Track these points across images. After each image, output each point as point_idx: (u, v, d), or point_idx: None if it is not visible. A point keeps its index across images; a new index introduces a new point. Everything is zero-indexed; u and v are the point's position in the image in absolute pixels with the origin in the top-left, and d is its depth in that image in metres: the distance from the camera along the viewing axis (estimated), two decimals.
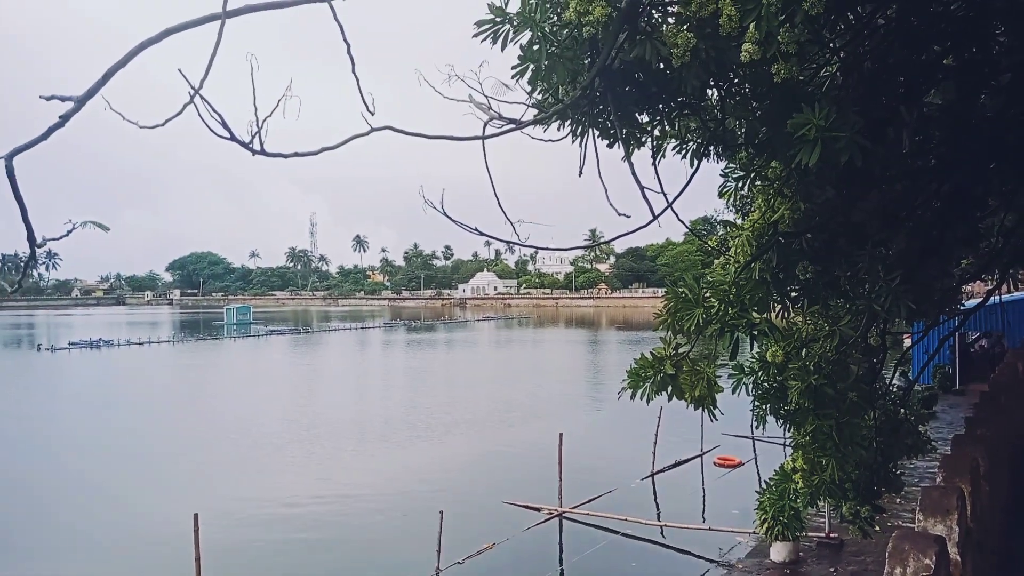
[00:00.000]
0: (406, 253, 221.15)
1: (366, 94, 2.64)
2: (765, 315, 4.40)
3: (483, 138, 3.26)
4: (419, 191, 3.61)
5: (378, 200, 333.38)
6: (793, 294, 4.99)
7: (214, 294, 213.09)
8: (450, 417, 28.10)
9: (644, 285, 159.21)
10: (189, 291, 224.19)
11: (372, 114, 2.70)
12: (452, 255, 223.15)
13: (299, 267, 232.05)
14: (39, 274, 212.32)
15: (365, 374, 46.99)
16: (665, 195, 3.99)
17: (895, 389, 6.19)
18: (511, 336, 77.64)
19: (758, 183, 4.89)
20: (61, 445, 24.91)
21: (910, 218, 5.58)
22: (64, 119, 2.23)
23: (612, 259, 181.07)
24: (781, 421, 4.97)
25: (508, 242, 3.95)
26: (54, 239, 2.73)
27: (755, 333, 4.17)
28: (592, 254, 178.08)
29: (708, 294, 4.11)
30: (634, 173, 3.43)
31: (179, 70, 2.21)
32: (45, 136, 2.26)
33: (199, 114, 2.24)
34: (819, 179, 4.38)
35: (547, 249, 4.15)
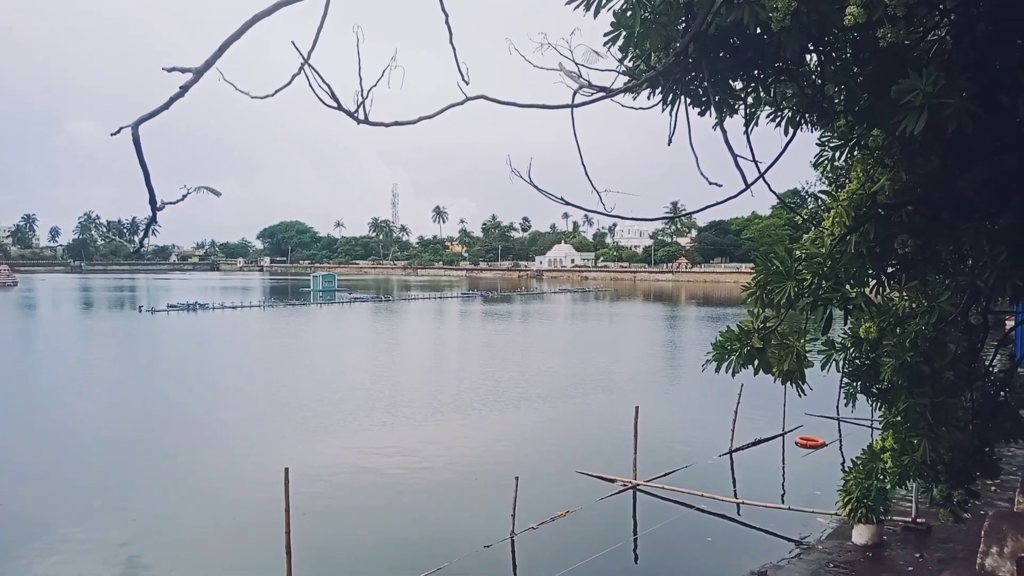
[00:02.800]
0: (484, 224, 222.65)
1: (461, 64, 2.70)
2: (861, 289, 4.26)
3: (572, 106, 3.27)
4: (506, 160, 3.66)
5: (458, 172, 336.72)
6: (890, 269, 4.81)
7: (301, 262, 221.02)
8: (525, 388, 28.41)
9: (727, 260, 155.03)
10: (278, 258, 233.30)
11: (467, 83, 2.76)
12: (530, 227, 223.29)
13: (381, 237, 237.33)
14: (137, 241, 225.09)
15: (443, 343, 47.94)
16: (757, 164, 3.90)
17: (996, 371, 5.89)
18: (587, 309, 77.42)
19: (856, 153, 4.71)
20: (162, 402, 26.61)
21: (1021, 191, 5.26)
22: (184, 89, 2.38)
23: (694, 232, 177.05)
24: (872, 399, 4.83)
25: (593, 211, 3.97)
26: (171, 203, 2.93)
27: (849, 308, 4.05)
28: (673, 227, 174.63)
29: (801, 267, 4.01)
30: (727, 141, 3.36)
31: (292, 42, 2.32)
32: (167, 105, 2.42)
33: (309, 84, 2.35)
34: (924, 148, 4.18)
35: (632, 219, 4.13)
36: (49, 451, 19.48)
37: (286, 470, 10.41)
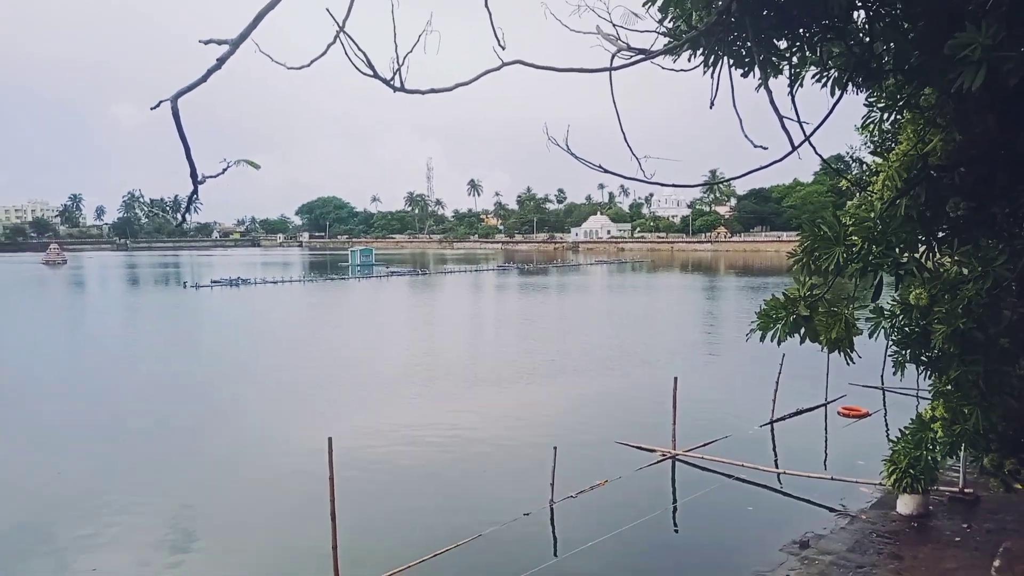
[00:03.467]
0: (519, 197, 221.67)
1: (497, 29, 2.64)
2: (912, 254, 4.12)
3: (611, 69, 3.18)
4: (543, 129, 3.60)
5: (492, 145, 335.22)
6: (941, 233, 4.65)
7: (339, 237, 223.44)
8: (562, 359, 28.44)
9: (767, 228, 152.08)
10: (317, 234, 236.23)
11: (503, 48, 2.70)
12: (565, 198, 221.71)
13: (416, 211, 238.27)
14: (179, 217, 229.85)
15: (479, 315, 48.17)
16: (803, 126, 3.78)
17: None
18: (624, 281, 76.92)
19: (906, 113, 4.53)
20: (207, 374, 27.32)
21: None
22: (221, 61, 2.37)
23: (733, 201, 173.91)
24: (921, 368, 4.70)
25: (632, 179, 3.89)
26: (212, 176, 2.95)
27: (900, 273, 3.92)
28: (712, 196, 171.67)
29: (850, 232, 3.88)
30: (773, 102, 3.24)
31: (327, 9, 2.29)
32: (204, 78, 2.42)
33: (345, 53, 2.33)
34: (979, 106, 4.00)
35: (672, 186, 4.05)
36: (101, 422, 20.18)
37: (329, 439, 10.62)
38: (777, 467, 15.32)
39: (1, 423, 20.25)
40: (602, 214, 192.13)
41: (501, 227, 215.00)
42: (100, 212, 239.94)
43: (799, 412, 19.62)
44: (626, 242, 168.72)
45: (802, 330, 3.85)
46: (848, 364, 4.01)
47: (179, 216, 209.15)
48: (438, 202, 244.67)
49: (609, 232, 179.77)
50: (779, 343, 3.99)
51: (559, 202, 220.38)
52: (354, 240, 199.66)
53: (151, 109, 2.47)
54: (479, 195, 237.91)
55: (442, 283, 73.46)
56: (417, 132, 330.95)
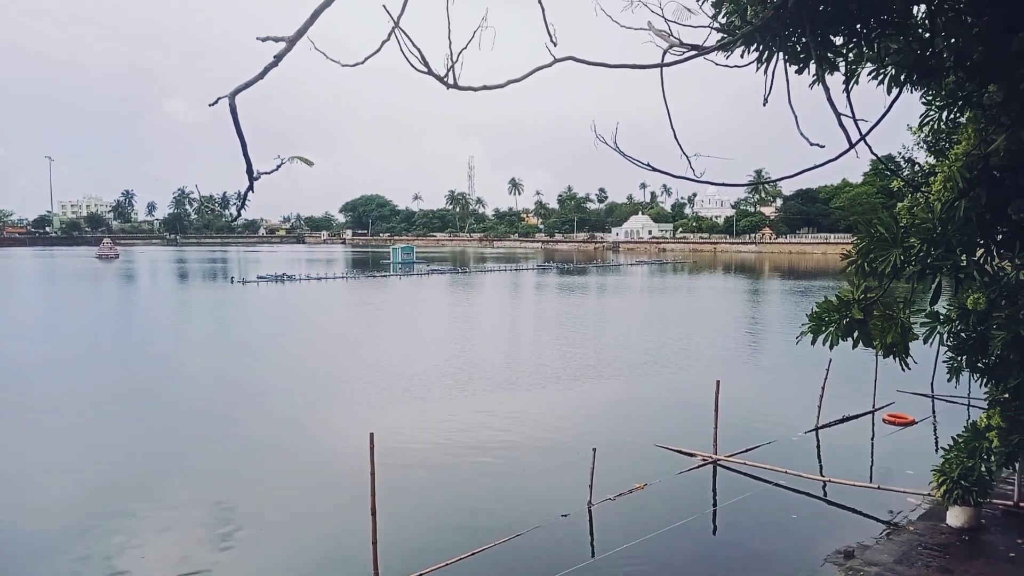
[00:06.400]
0: (560, 196, 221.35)
1: (549, 25, 2.62)
2: (973, 257, 3.98)
3: (662, 65, 3.14)
4: (591, 127, 3.58)
5: (533, 144, 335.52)
6: (1001, 236, 4.48)
7: (381, 234, 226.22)
8: (601, 360, 28.29)
9: (814, 230, 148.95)
10: (359, 231, 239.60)
11: (555, 44, 2.68)
12: (606, 198, 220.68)
13: (457, 209, 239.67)
14: (231, 213, 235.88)
15: (518, 315, 48.20)
16: (858, 124, 3.68)
17: None
18: (665, 282, 76.16)
19: (968, 112, 4.38)
20: (252, 368, 27.88)
21: None
22: (278, 58, 2.41)
23: (778, 202, 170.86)
24: (977, 375, 4.54)
25: (681, 177, 3.83)
26: (267, 172, 3.00)
27: (961, 276, 3.78)
28: (756, 196, 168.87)
29: (908, 233, 3.76)
30: (830, 99, 3.16)
31: (383, 5, 2.30)
32: (262, 75, 2.46)
33: (401, 50, 2.34)
34: None
35: (721, 185, 3.98)
36: (149, 413, 20.75)
37: (371, 435, 10.73)
38: (822, 475, 14.98)
39: (54, 408, 20.96)
40: (644, 214, 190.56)
41: (541, 226, 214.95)
42: (151, 208, 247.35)
43: (845, 419, 19.16)
44: (668, 242, 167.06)
45: (855, 334, 3.75)
46: (903, 370, 3.89)
47: (234, 211, 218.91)
48: (479, 200, 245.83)
49: (650, 232, 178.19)
50: (831, 347, 3.89)
51: (600, 201, 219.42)
52: (396, 238, 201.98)
53: (209, 105, 2.52)
54: (520, 194, 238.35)
55: (482, 281, 73.70)
56: (459, 130, 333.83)
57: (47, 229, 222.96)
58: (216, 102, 2.50)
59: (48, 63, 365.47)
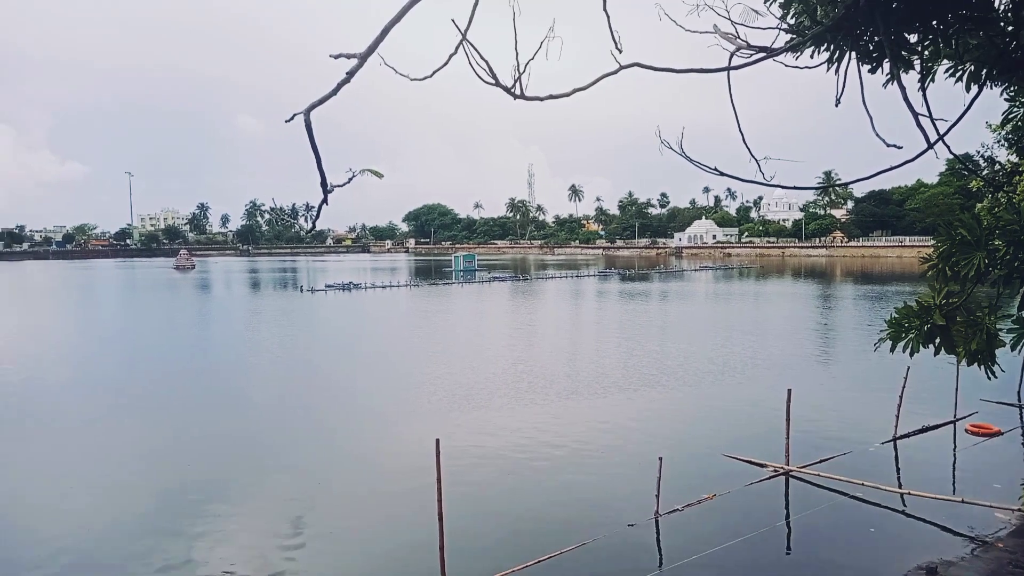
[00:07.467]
0: (620, 201, 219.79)
1: (614, 32, 2.62)
2: None
3: (729, 69, 3.09)
4: (656, 132, 3.55)
5: (593, 150, 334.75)
6: None
7: (443, 243, 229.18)
8: (666, 368, 27.87)
9: (888, 232, 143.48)
10: (422, 240, 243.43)
11: (620, 51, 2.68)
12: (668, 203, 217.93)
13: (518, 217, 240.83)
14: (299, 224, 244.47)
15: (580, 322, 47.97)
16: (935, 123, 3.54)
17: None
18: (731, 288, 74.56)
19: None
20: (320, 374, 28.60)
21: None
22: (350, 75, 2.49)
23: (849, 204, 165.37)
24: None
25: (751, 181, 3.77)
26: (339, 185, 3.09)
27: None
28: (826, 198, 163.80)
29: (993, 235, 3.59)
30: (906, 98, 3.05)
31: (452, 20, 2.35)
32: (335, 91, 2.54)
33: (469, 62, 2.38)
34: None
35: (793, 188, 3.89)
36: (224, 416, 21.51)
37: (437, 440, 10.86)
38: (900, 487, 14.36)
39: (140, 411, 21.96)
40: (707, 218, 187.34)
41: (602, 232, 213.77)
42: (225, 220, 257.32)
43: (925, 429, 18.33)
44: (733, 247, 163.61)
45: (936, 340, 3.59)
46: (989, 379, 3.71)
47: (302, 222, 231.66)
48: (539, 208, 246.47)
49: (715, 237, 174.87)
50: (911, 354, 3.73)
51: (662, 206, 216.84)
52: (457, 246, 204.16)
53: (285, 122, 2.62)
54: (580, 200, 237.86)
55: (543, 288, 73.69)
56: (520, 139, 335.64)
57: (127, 241, 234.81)
58: (292, 118, 2.59)
59: (125, 82, 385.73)
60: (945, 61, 4.22)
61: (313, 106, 2.54)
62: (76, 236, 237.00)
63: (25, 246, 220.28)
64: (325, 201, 2.86)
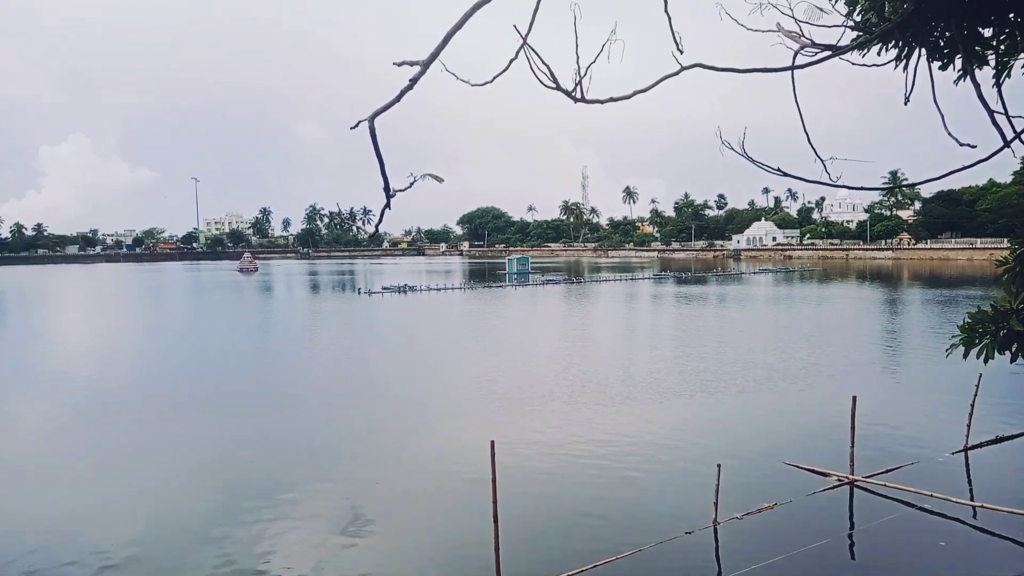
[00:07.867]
0: (676, 203, 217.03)
1: (676, 33, 2.60)
2: None
3: (793, 68, 3.03)
4: (716, 133, 3.51)
5: (647, 152, 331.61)
6: None
7: (497, 245, 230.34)
8: (725, 373, 27.37)
9: (958, 234, 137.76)
10: (476, 243, 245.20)
11: (681, 52, 2.66)
12: (726, 204, 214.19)
13: (571, 219, 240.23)
14: (357, 228, 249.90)
15: (634, 326, 47.52)
16: (1011, 121, 3.41)
17: None
18: (792, 291, 72.73)
19: None
20: (376, 375, 29.08)
21: None
22: (413, 82, 2.54)
23: (917, 204, 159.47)
24: None
25: (816, 182, 3.69)
26: (401, 190, 3.16)
27: None
28: (892, 199, 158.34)
29: None
30: (980, 95, 2.94)
31: (514, 25, 2.38)
32: (398, 98, 2.61)
33: (530, 66, 2.41)
34: None
35: (860, 189, 3.79)
36: (284, 415, 22.07)
37: (492, 443, 10.92)
38: (972, 499, 13.77)
39: (202, 410, 22.74)
40: (767, 220, 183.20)
41: (657, 235, 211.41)
42: (286, 224, 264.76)
43: (999, 439, 17.53)
44: (794, 249, 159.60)
45: (1013, 347, 3.44)
46: None
47: (361, 225, 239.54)
48: (593, 210, 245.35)
49: (775, 239, 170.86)
50: (986, 360, 3.59)
51: (719, 208, 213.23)
52: (511, 248, 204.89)
53: (350, 128, 2.69)
54: (634, 202, 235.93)
55: (596, 292, 73.28)
56: (572, 140, 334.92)
57: (194, 245, 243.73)
58: (357, 125, 2.66)
59: (191, 92, 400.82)
60: (1022, 56, 4.06)
61: (377, 113, 2.60)
62: (145, 239, 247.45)
63: (98, 249, 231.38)
64: (388, 205, 2.93)
